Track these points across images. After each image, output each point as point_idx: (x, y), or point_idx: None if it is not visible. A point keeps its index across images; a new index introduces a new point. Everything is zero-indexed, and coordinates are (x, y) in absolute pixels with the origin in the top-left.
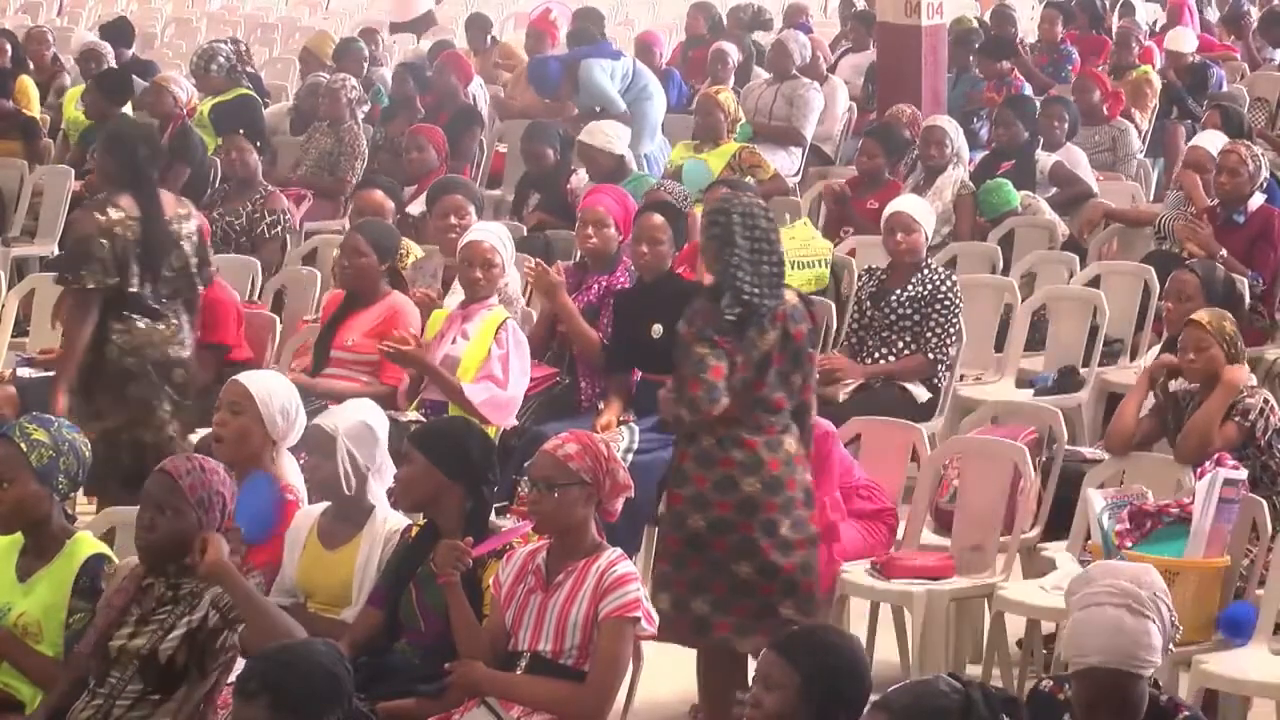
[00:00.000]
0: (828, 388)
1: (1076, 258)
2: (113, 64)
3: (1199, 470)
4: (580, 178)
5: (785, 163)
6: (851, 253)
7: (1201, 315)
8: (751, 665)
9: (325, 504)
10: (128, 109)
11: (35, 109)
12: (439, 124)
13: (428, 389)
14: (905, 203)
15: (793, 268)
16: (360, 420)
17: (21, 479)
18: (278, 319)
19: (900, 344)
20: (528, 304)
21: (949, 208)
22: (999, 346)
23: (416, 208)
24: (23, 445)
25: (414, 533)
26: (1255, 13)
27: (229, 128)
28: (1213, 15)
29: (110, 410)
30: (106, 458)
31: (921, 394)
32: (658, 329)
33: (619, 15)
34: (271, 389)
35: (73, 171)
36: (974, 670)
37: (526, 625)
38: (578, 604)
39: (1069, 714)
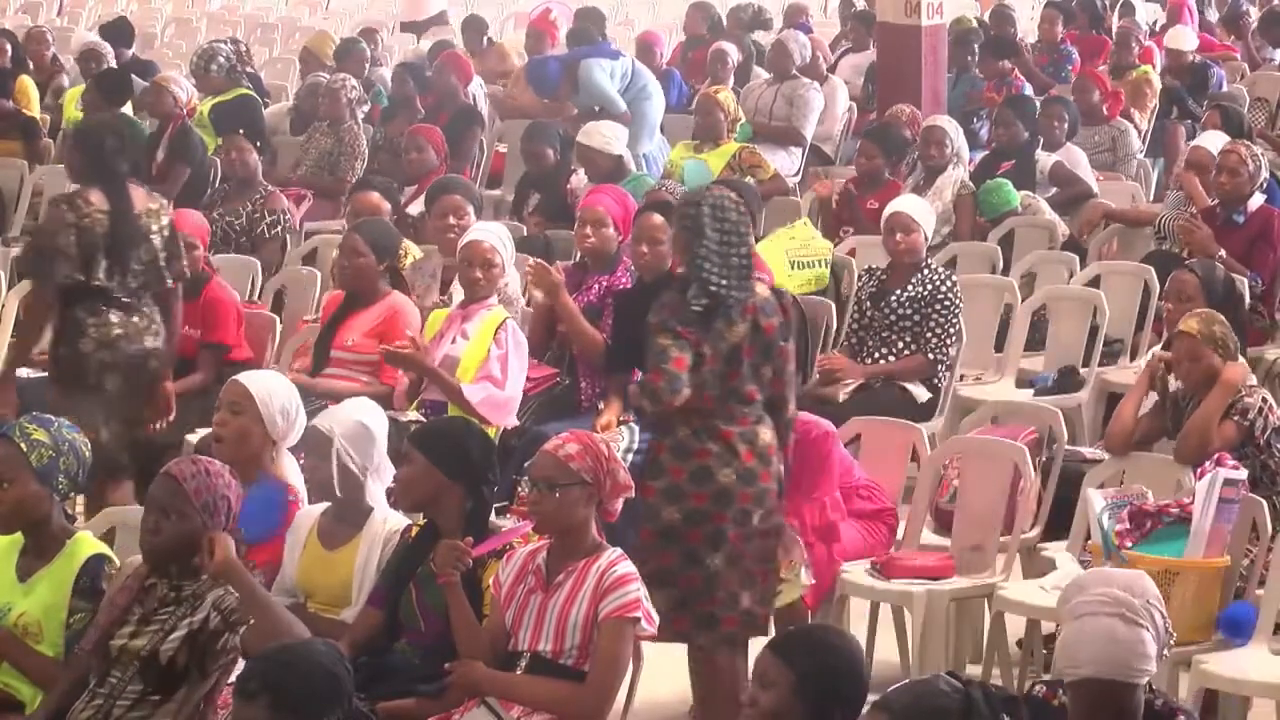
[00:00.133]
0: (828, 388)
1: (1076, 258)
2: (113, 64)
3: (1199, 470)
4: (580, 178)
5: (785, 163)
6: (851, 253)
7: (1190, 325)
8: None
9: (325, 504)
10: (128, 109)
11: (35, 109)
12: (439, 124)
13: (428, 389)
14: (905, 203)
15: (793, 268)
16: (356, 420)
17: (21, 479)
18: (278, 319)
19: (900, 344)
20: (527, 304)
21: (949, 208)
22: (999, 346)
23: (416, 208)
24: (23, 445)
25: (414, 533)
26: (1255, 13)
27: (229, 128)
28: (1213, 15)
29: (87, 403)
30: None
31: (921, 394)
32: None
33: (619, 15)
34: (271, 389)
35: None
36: (974, 670)
37: (526, 625)
38: (578, 604)
39: None
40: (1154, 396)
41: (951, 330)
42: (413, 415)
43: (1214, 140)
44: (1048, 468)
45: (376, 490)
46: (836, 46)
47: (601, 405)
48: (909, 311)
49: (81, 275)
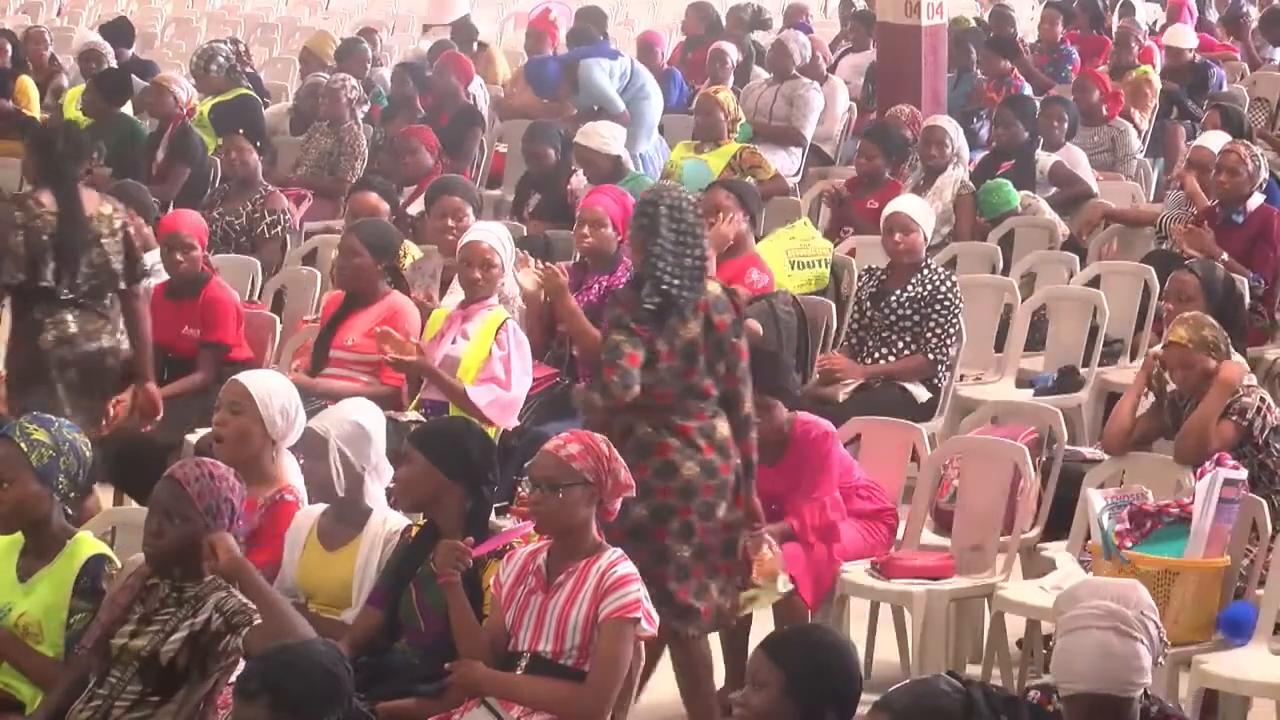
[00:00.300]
0: (828, 388)
1: (1076, 258)
2: (113, 64)
3: (1199, 470)
4: (581, 178)
5: (785, 163)
6: (851, 253)
7: (1179, 334)
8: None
9: (325, 505)
10: (128, 109)
11: (35, 109)
12: (439, 124)
13: (427, 389)
14: (904, 203)
15: (793, 268)
16: (353, 421)
17: (22, 479)
18: (278, 319)
19: (900, 344)
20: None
21: (949, 208)
22: (999, 346)
23: (415, 208)
24: (23, 445)
25: (414, 533)
26: (1255, 13)
27: (229, 128)
28: (1213, 15)
29: (46, 402)
30: None
31: (921, 394)
32: None
33: (619, 15)
34: (271, 389)
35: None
36: (974, 670)
37: (527, 626)
38: (578, 605)
39: None
40: (1152, 396)
41: (951, 330)
42: (413, 415)
43: (1215, 140)
44: (1048, 468)
45: (375, 490)
46: (836, 46)
47: None
48: (909, 311)
49: (25, 275)
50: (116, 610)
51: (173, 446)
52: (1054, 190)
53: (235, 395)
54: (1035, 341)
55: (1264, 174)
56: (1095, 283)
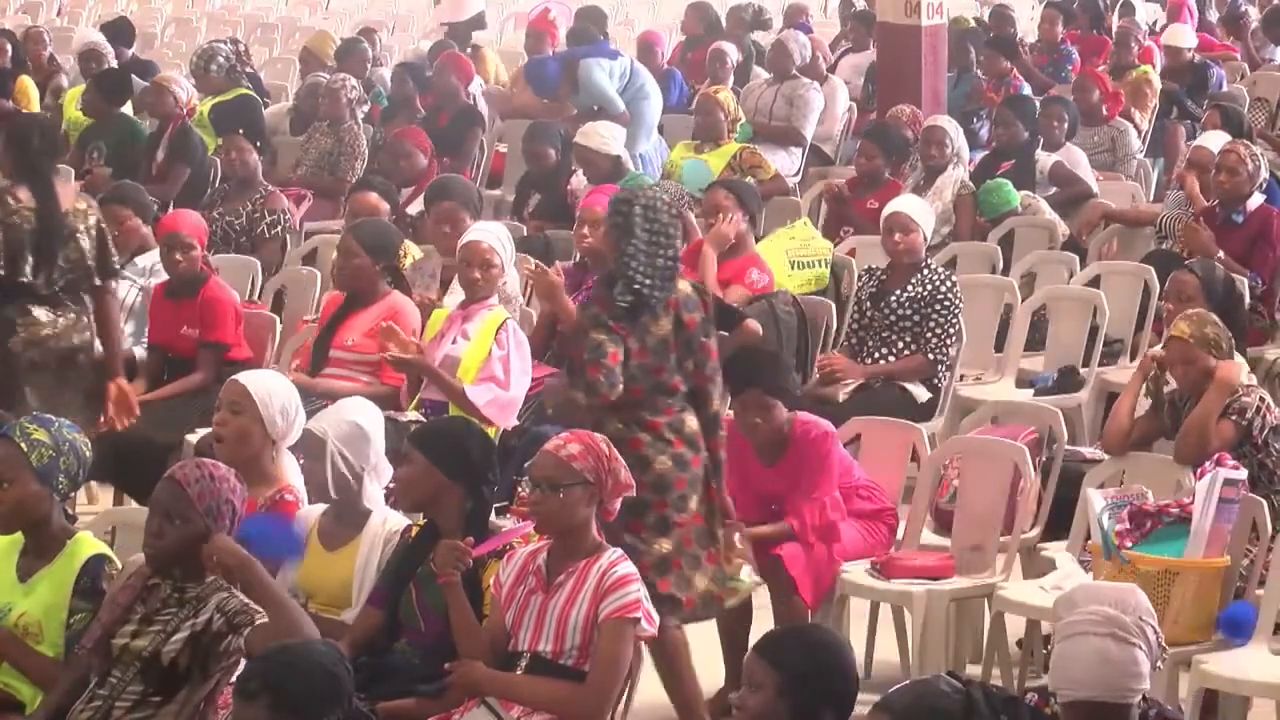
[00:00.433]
0: (828, 388)
1: (1076, 258)
2: (113, 64)
3: (1199, 470)
4: (581, 179)
5: (785, 163)
6: (851, 253)
7: (1181, 329)
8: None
9: (325, 505)
10: (128, 109)
11: (35, 109)
12: (439, 124)
13: (427, 389)
14: (903, 203)
15: (793, 268)
16: (350, 421)
17: (22, 479)
18: (278, 319)
19: (900, 344)
20: (527, 304)
21: (949, 208)
22: (999, 346)
23: (415, 208)
24: (23, 445)
25: (414, 533)
26: (1254, 13)
27: (229, 128)
28: (1213, 15)
29: (15, 403)
30: None
31: (921, 394)
32: None
33: (619, 15)
34: (271, 389)
35: (73, 171)
36: (974, 670)
37: (527, 626)
38: (578, 605)
39: None
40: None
41: (951, 330)
42: (413, 415)
43: (1214, 140)
44: (1048, 468)
45: (374, 490)
46: (836, 46)
47: None
48: (909, 312)
49: (4, 271)
50: (117, 610)
51: (173, 446)
52: (1054, 190)
53: (235, 395)
54: (1035, 341)
55: (1264, 174)
56: (1095, 283)
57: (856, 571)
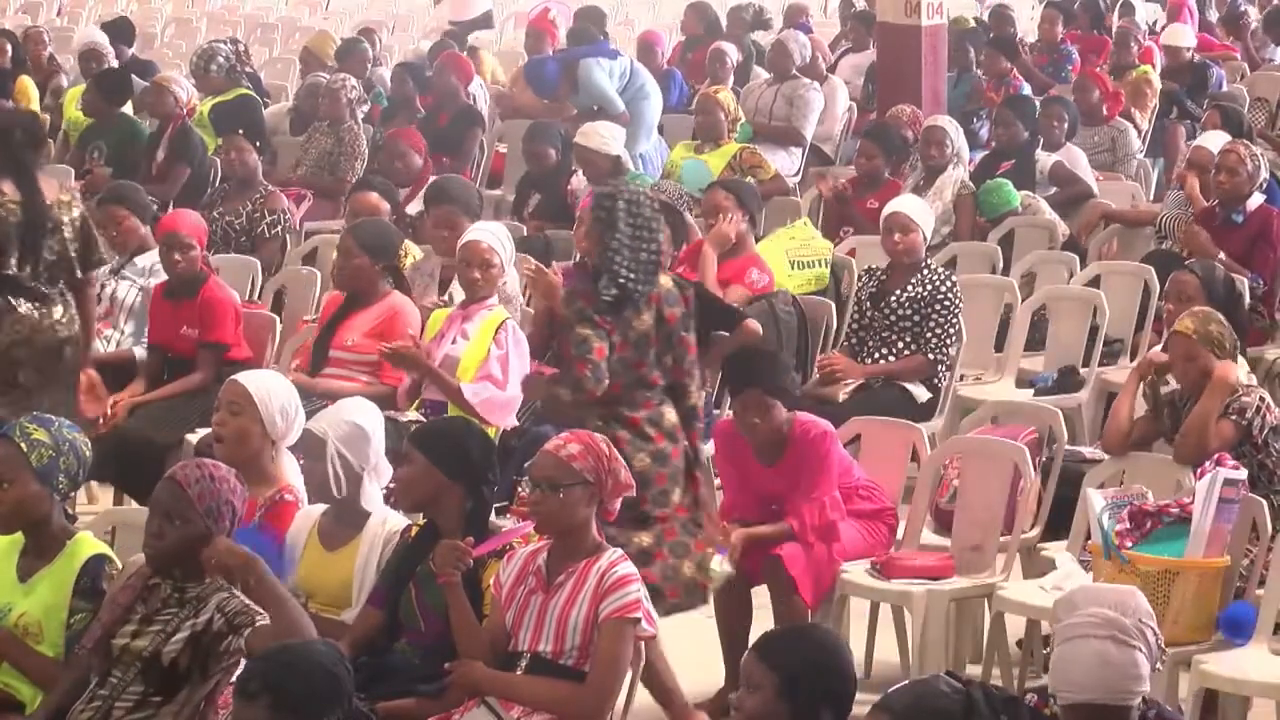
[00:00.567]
0: (828, 388)
1: (1076, 258)
2: (113, 63)
3: (1199, 470)
4: (581, 179)
5: (785, 163)
6: (851, 253)
7: (1185, 324)
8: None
9: (325, 505)
10: (128, 109)
11: (35, 109)
12: (439, 124)
13: (428, 389)
14: (903, 203)
15: (793, 268)
16: (350, 421)
17: (22, 479)
18: (278, 319)
19: (900, 344)
20: (527, 304)
21: (949, 208)
22: (999, 346)
23: (413, 208)
24: (23, 445)
25: (414, 533)
26: (1254, 13)
27: (229, 128)
28: (1213, 15)
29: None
30: None
31: (921, 394)
32: None
33: (619, 15)
34: (270, 389)
35: (73, 171)
36: (974, 670)
37: (527, 626)
38: (578, 605)
39: None
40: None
41: (951, 330)
42: (413, 415)
43: (1214, 140)
44: (1048, 468)
45: (374, 490)
46: (836, 46)
47: None
48: (909, 312)
49: None
50: (118, 610)
51: (172, 446)
52: (1054, 190)
53: (234, 395)
54: (1035, 341)
55: (1264, 174)
56: (1095, 283)
57: (856, 571)
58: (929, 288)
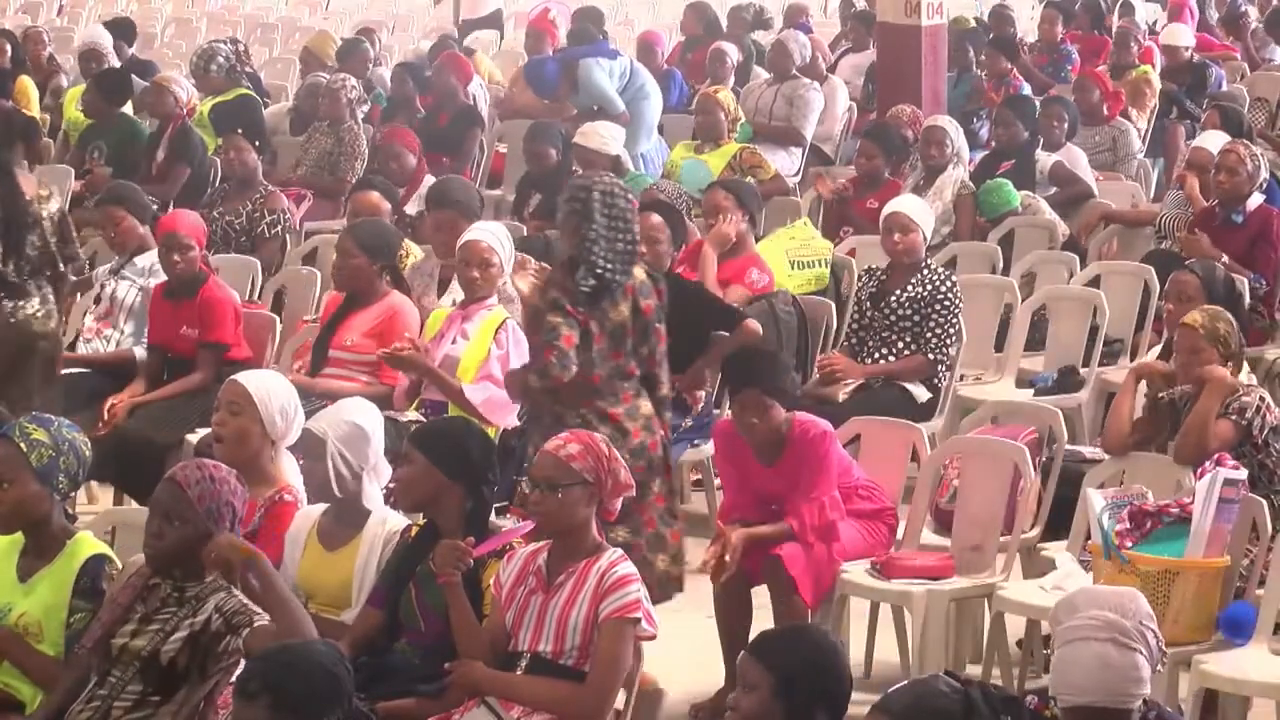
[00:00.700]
0: (828, 388)
1: (1076, 258)
2: (113, 63)
3: (1199, 470)
4: None
5: (785, 163)
6: (851, 253)
7: (1194, 318)
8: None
9: (325, 505)
10: (128, 109)
11: (35, 109)
12: (439, 124)
13: (428, 389)
14: (903, 203)
15: (793, 267)
16: (350, 421)
17: (21, 479)
18: (278, 319)
19: (900, 344)
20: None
21: (949, 208)
22: (999, 346)
23: (411, 207)
24: (22, 445)
25: (414, 533)
26: (1254, 13)
27: (229, 128)
28: (1214, 15)
29: None
30: None
31: (921, 394)
32: None
33: (619, 15)
34: (270, 388)
35: (73, 171)
36: (974, 670)
37: (527, 626)
38: (578, 605)
39: None
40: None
41: (951, 330)
42: (413, 415)
43: (1213, 140)
44: (1048, 468)
45: (374, 491)
46: (836, 46)
47: None
48: (909, 312)
49: None
50: (118, 610)
51: (172, 446)
52: (1054, 190)
53: (234, 395)
54: (1035, 341)
55: (1264, 174)
56: (1095, 283)
57: (856, 571)
58: (929, 288)
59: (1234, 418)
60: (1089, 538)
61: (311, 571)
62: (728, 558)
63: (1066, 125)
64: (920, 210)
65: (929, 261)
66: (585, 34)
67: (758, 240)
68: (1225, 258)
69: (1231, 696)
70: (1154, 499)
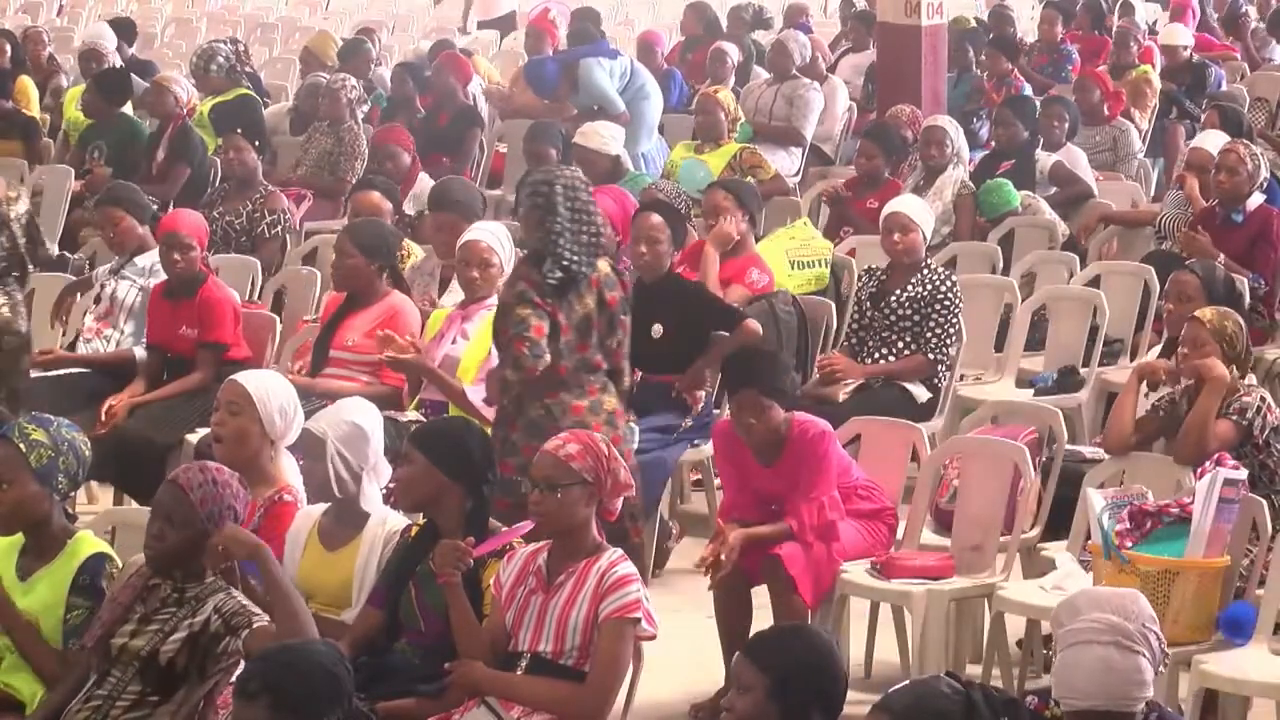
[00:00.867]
0: (828, 388)
1: (1076, 258)
2: (113, 63)
3: (1199, 470)
4: None
5: (785, 163)
6: (851, 253)
7: (1205, 313)
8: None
9: (325, 505)
10: (128, 109)
11: (35, 109)
12: (439, 124)
13: (428, 389)
14: (903, 203)
15: (793, 267)
16: (349, 421)
17: (21, 480)
18: (278, 319)
19: (900, 344)
20: None
21: (949, 208)
22: (999, 346)
23: (408, 207)
24: (21, 446)
25: (414, 533)
26: (1253, 13)
27: (229, 128)
28: (1214, 16)
29: None
30: None
31: (921, 394)
32: (658, 329)
33: (619, 15)
34: (269, 388)
35: (73, 171)
36: (974, 670)
37: (527, 626)
38: (578, 605)
39: None
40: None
41: (951, 330)
42: (413, 415)
43: (1212, 140)
44: (1048, 468)
45: (373, 491)
46: (836, 46)
47: None
48: (909, 311)
49: None
50: (118, 609)
51: (172, 446)
52: (1054, 190)
53: (233, 395)
54: (1035, 341)
55: (1264, 174)
56: (1095, 283)
57: (856, 571)
58: (929, 288)
59: (1234, 418)
60: (1089, 538)
61: (311, 571)
62: (723, 557)
63: (1067, 125)
64: (920, 210)
65: (929, 261)
66: (585, 34)
67: (758, 240)
68: (1223, 258)
69: (1231, 696)
70: (1154, 499)
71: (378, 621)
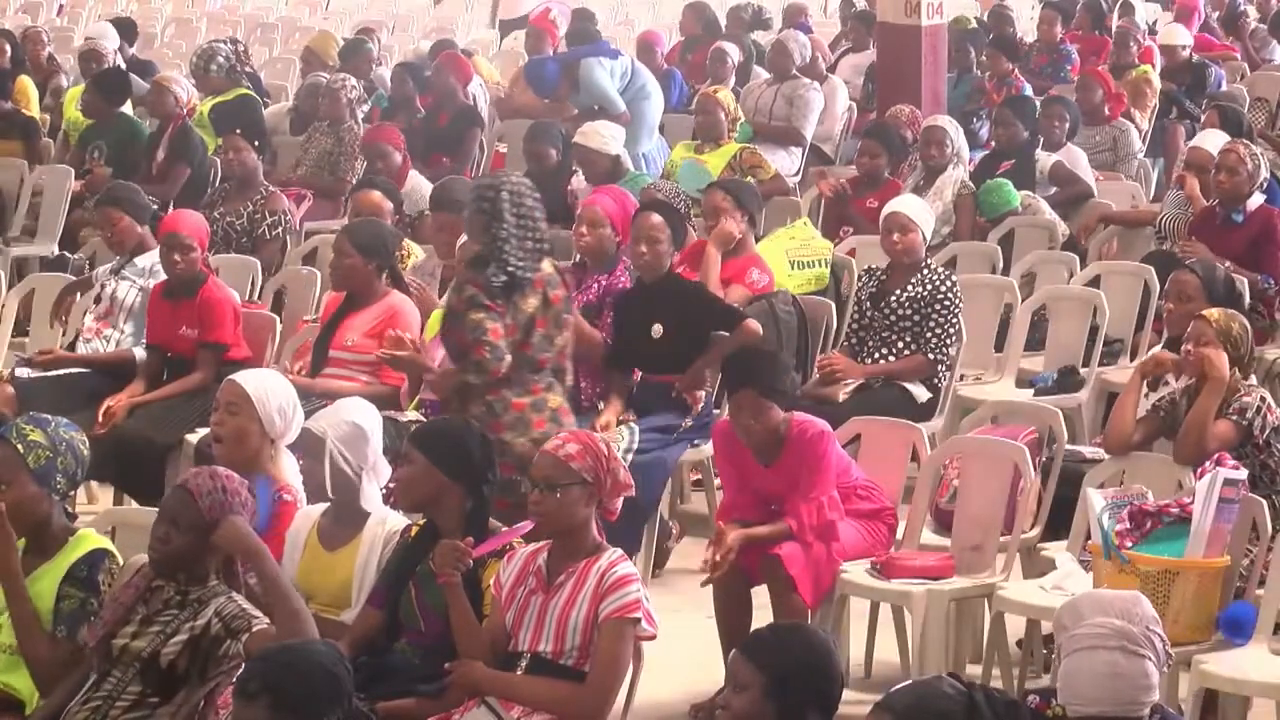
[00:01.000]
0: (827, 388)
1: (1076, 258)
2: (113, 63)
3: (1199, 470)
4: (581, 179)
5: (785, 163)
6: (851, 253)
7: (1212, 313)
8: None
9: (325, 505)
10: (128, 109)
11: (35, 109)
12: (439, 124)
13: (427, 389)
14: (902, 203)
15: (793, 268)
16: (348, 420)
17: (19, 481)
18: (278, 319)
19: (900, 344)
20: None
21: (949, 208)
22: (999, 346)
23: (409, 207)
24: (19, 447)
25: (414, 533)
26: (1253, 13)
27: (229, 128)
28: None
29: None
30: None
31: (921, 394)
32: (658, 329)
33: (619, 15)
34: (269, 388)
35: (73, 171)
36: (974, 670)
37: (527, 626)
38: (578, 605)
39: None
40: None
41: (951, 330)
42: (413, 415)
43: (1211, 140)
44: (1048, 468)
45: (373, 491)
46: (836, 46)
47: (601, 405)
48: (909, 311)
49: None
50: (120, 610)
51: (172, 446)
52: (1054, 190)
53: (232, 395)
54: (1035, 341)
55: (1264, 174)
56: (1095, 283)
57: (856, 571)
58: (929, 288)
59: (1235, 418)
60: (1089, 538)
61: (311, 571)
62: (719, 557)
63: (1067, 125)
64: (920, 210)
65: (929, 261)
66: (585, 34)
67: (758, 240)
68: (1227, 263)
69: (1231, 696)
70: (1154, 499)
71: (377, 621)
